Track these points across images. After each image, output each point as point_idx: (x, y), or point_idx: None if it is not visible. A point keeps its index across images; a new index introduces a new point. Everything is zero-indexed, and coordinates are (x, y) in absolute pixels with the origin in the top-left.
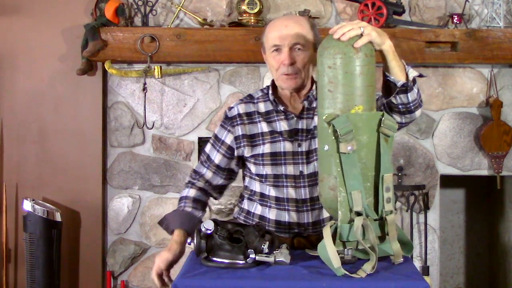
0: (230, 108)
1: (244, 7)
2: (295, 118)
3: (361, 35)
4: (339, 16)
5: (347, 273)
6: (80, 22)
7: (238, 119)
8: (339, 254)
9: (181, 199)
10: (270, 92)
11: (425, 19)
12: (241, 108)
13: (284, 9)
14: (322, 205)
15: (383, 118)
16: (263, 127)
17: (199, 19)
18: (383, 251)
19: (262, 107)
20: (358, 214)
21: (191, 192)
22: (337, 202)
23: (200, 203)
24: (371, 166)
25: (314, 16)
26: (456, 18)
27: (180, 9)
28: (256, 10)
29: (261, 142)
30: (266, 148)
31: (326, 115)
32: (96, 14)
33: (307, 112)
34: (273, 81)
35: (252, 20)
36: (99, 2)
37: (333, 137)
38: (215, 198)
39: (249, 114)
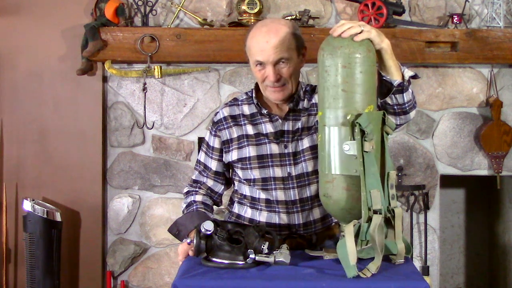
0: (216, 113)
1: (244, 7)
2: (280, 120)
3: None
4: (339, 16)
5: (359, 273)
6: (80, 22)
7: (224, 122)
8: None
9: (189, 204)
10: (254, 95)
11: (425, 19)
12: (226, 111)
13: (284, 9)
14: (331, 206)
15: (385, 117)
16: (248, 129)
17: (199, 19)
18: (386, 249)
19: (247, 109)
20: (375, 212)
21: (198, 197)
22: (350, 202)
23: (209, 207)
24: (378, 164)
25: (314, 16)
26: (456, 18)
27: (180, 9)
28: (256, 10)
29: (246, 144)
30: (251, 151)
31: (350, 115)
32: (96, 14)
33: (293, 113)
34: (256, 83)
35: (252, 20)
36: (99, 2)
37: (358, 136)
38: (217, 205)
39: (234, 117)
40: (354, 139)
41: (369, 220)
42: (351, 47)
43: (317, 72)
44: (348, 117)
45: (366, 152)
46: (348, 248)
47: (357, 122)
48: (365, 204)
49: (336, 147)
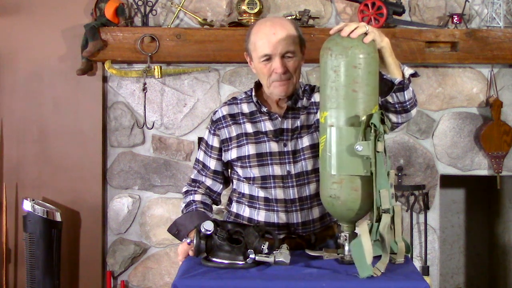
0: (215, 112)
1: (244, 7)
2: (279, 119)
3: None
4: (339, 16)
5: (373, 274)
6: (80, 22)
7: (223, 121)
8: (338, 254)
9: (188, 203)
10: (253, 94)
11: (425, 19)
12: (225, 110)
13: (284, 9)
14: (337, 207)
15: (383, 116)
16: (248, 127)
17: (199, 19)
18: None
19: (246, 108)
20: (384, 212)
21: (197, 197)
22: (358, 203)
23: (208, 206)
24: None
25: (314, 16)
26: (456, 18)
27: (180, 9)
28: (256, 10)
29: (245, 142)
30: (250, 149)
31: (365, 115)
32: (96, 14)
33: (292, 111)
34: (256, 82)
35: (252, 20)
36: (99, 2)
37: (372, 137)
38: (216, 204)
39: (233, 115)
40: (365, 139)
41: (378, 220)
42: (361, 48)
43: (318, 72)
44: (363, 118)
45: (378, 152)
46: (365, 248)
47: (371, 123)
48: (376, 204)
49: (345, 148)
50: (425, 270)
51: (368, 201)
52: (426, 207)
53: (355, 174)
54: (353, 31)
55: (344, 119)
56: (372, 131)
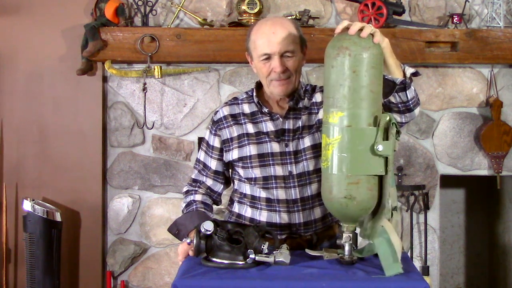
0: (216, 112)
1: (244, 7)
2: (280, 119)
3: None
4: (339, 16)
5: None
6: (80, 22)
7: (224, 121)
8: (338, 255)
9: (189, 203)
10: (254, 94)
11: (425, 19)
12: (226, 110)
13: (284, 9)
14: (351, 208)
15: None
16: (249, 128)
17: (199, 19)
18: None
19: (247, 108)
20: (393, 209)
21: (198, 197)
22: (371, 202)
23: (209, 206)
24: None
25: (314, 16)
26: (456, 18)
27: (180, 9)
28: (256, 10)
29: (246, 142)
30: (252, 150)
31: (388, 115)
32: (96, 14)
33: (293, 112)
34: (257, 83)
35: (252, 20)
36: (99, 2)
37: (394, 137)
38: (217, 204)
39: (234, 116)
40: (384, 139)
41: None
42: (376, 49)
43: (318, 72)
44: (387, 118)
45: (395, 151)
46: (396, 245)
47: (393, 123)
48: (388, 202)
49: (363, 148)
50: (425, 270)
51: (378, 200)
52: (426, 207)
53: (373, 174)
54: (360, 30)
55: (362, 120)
56: (394, 131)
